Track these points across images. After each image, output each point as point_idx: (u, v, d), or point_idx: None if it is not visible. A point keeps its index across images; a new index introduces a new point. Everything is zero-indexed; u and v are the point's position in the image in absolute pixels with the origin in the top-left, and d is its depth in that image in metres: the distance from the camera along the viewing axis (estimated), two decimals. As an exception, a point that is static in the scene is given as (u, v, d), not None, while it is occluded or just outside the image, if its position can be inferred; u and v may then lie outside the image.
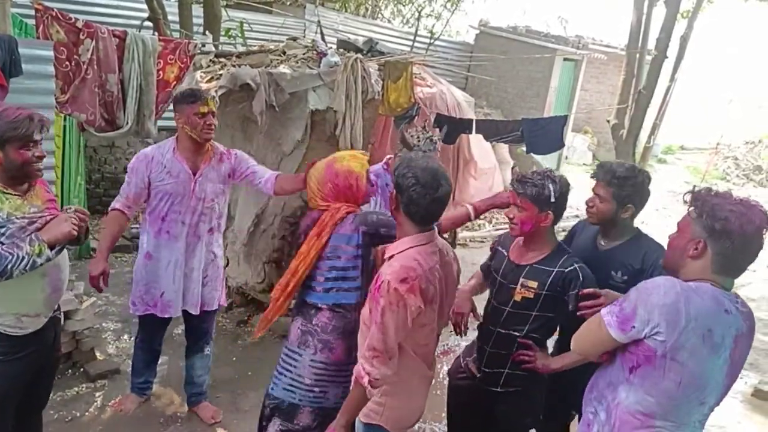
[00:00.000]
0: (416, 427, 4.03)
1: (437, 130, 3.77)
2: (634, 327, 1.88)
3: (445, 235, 5.83)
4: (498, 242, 2.87)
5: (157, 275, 3.47)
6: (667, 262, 2.08)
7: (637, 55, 5.91)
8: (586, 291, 2.45)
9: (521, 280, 2.55)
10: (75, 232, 2.50)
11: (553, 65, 12.28)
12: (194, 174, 3.38)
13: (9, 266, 2.32)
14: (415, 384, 2.44)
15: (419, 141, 3.55)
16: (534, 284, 2.53)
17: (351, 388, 2.31)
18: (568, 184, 2.62)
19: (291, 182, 3.43)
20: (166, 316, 3.55)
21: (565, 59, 12.65)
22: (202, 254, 3.53)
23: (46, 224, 2.49)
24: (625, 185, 2.68)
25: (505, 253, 2.70)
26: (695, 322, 1.81)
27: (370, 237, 2.58)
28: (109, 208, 3.41)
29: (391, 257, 2.26)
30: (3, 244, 2.36)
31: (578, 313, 2.41)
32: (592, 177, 2.84)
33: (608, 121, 5.89)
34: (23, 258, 2.35)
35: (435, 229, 2.34)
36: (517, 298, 2.55)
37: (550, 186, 2.49)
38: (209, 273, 3.60)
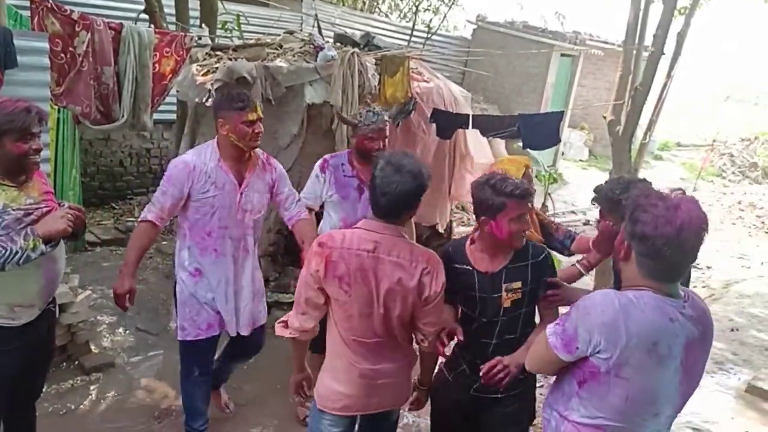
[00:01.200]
0: (410, 421, 4.07)
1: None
2: (578, 348, 1.83)
3: (441, 230, 5.86)
4: (443, 259, 2.47)
5: (209, 294, 3.16)
6: (614, 265, 2.13)
7: (634, 52, 5.89)
8: (551, 280, 2.52)
9: (504, 285, 2.47)
10: (70, 229, 2.49)
11: (550, 61, 12.28)
12: (240, 184, 3.09)
13: (2, 260, 2.32)
14: (341, 366, 2.43)
15: (361, 117, 3.43)
16: (518, 284, 2.48)
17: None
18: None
19: (307, 236, 3.20)
20: (231, 333, 3.28)
21: (562, 55, 12.65)
22: (251, 270, 3.28)
23: (42, 217, 2.49)
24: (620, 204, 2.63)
25: (470, 268, 2.50)
26: (637, 338, 1.75)
27: None
28: (139, 219, 3.09)
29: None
30: None
31: (547, 302, 2.52)
32: (593, 201, 2.87)
33: (605, 117, 5.88)
34: (17, 252, 2.34)
35: (392, 225, 2.31)
36: (506, 304, 2.47)
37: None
38: (257, 286, 3.35)
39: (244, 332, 3.29)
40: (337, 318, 2.37)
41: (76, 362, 4.15)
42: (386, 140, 3.49)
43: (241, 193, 3.08)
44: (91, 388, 3.98)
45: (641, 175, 5.64)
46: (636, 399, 1.82)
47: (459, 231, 8.03)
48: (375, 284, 2.27)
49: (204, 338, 3.19)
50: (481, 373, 2.42)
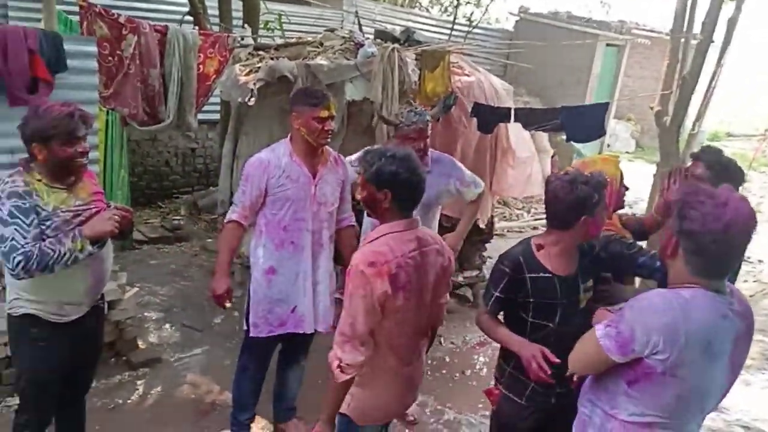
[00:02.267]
0: (452, 417, 4.06)
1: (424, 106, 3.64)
2: (634, 350, 1.79)
3: (482, 226, 5.80)
4: (514, 271, 2.41)
5: (286, 291, 3.18)
6: (661, 261, 2.05)
7: (682, 40, 5.74)
8: (602, 276, 2.49)
9: (581, 286, 2.42)
10: (116, 231, 2.56)
11: (595, 51, 12.05)
12: (313, 177, 3.15)
13: (50, 262, 2.40)
14: (384, 379, 2.37)
15: (403, 117, 3.43)
16: (590, 282, 2.45)
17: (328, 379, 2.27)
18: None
19: (347, 246, 3.33)
20: (300, 331, 3.25)
21: (607, 45, 12.39)
22: (327, 265, 3.29)
23: (90, 218, 2.56)
24: (725, 172, 2.72)
25: (549, 275, 2.38)
26: (694, 337, 1.73)
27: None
28: (226, 220, 3.19)
29: (367, 244, 2.28)
30: (48, 236, 2.44)
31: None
32: (692, 156, 2.92)
33: (651, 108, 5.75)
34: (65, 254, 2.42)
35: (416, 218, 2.33)
36: (583, 304, 2.42)
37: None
38: (331, 285, 3.35)
39: (321, 329, 3.30)
40: (386, 329, 2.27)
41: (124, 358, 4.27)
42: (427, 140, 3.48)
43: (316, 186, 3.14)
44: (139, 383, 4.09)
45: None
46: (688, 397, 1.81)
47: (500, 226, 7.96)
48: (426, 280, 2.31)
49: (266, 337, 3.22)
50: (574, 378, 2.24)
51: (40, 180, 2.49)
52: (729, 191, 1.78)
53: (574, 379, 2.24)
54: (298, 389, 3.63)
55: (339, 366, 2.17)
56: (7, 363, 3.61)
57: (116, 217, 2.57)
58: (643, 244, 2.83)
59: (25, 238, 2.38)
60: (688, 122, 6.22)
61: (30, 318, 2.60)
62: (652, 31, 13.46)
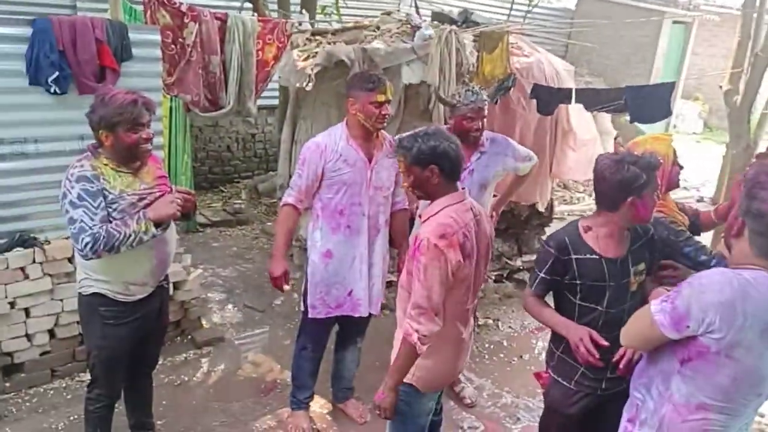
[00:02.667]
0: (509, 401, 4.03)
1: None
2: (688, 327, 1.77)
3: (541, 209, 5.71)
4: (560, 252, 2.38)
5: (341, 273, 3.24)
6: (725, 240, 1.99)
7: (754, 15, 5.47)
8: (665, 263, 2.44)
9: (632, 269, 2.37)
10: (179, 213, 2.67)
11: (661, 29, 11.62)
12: (369, 161, 3.16)
13: (117, 243, 2.50)
14: (448, 347, 2.46)
15: (459, 96, 3.38)
16: (642, 266, 2.40)
17: (398, 348, 2.35)
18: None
19: (398, 230, 3.38)
20: (356, 315, 3.32)
21: (674, 22, 11.93)
22: (382, 249, 3.33)
23: (154, 201, 2.65)
24: None
25: (596, 256, 2.35)
26: (753, 318, 1.70)
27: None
28: (281, 204, 3.23)
29: (426, 220, 2.34)
30: (114, 219, 2.54)
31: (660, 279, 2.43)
32: None
33: (721, 87, 5.51)
34: (130, 235, 2.52)
35: (465, 187, 2.44)
36: (634, 288, 2.38)
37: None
38: (385, 267, 3.42)
39: (375, 311, 3.36)
40: (455, 297, 2.36)
41: (189, 337, 4.41)
42: (484, 120, 3.45)
43: (371, 170, 3.16)
44: (203, 361, 4.23)
45: (761, 149, 5.26)
46: (744, 380, 1.78)
47: (560, 210, 7.81)
48: (482, 247, 2.40)
49: (323, 318, 3.30)
50: (621, 365, 2.24)
51: (107, 164, 2.59)
52: None
53: (620, 366, 2.22)
54: (355, 370, 3.69)
55: (419, 338, 2.23)
56: (80, 340, 3.80)
57: (179, 200, 2.66)
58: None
59: (92, 220, 2.49)
60: (760, 101, 5.93)
61: (99, 297, 2.72)
62: (721, 6, 12.88)
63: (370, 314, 3.41)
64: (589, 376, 2.45)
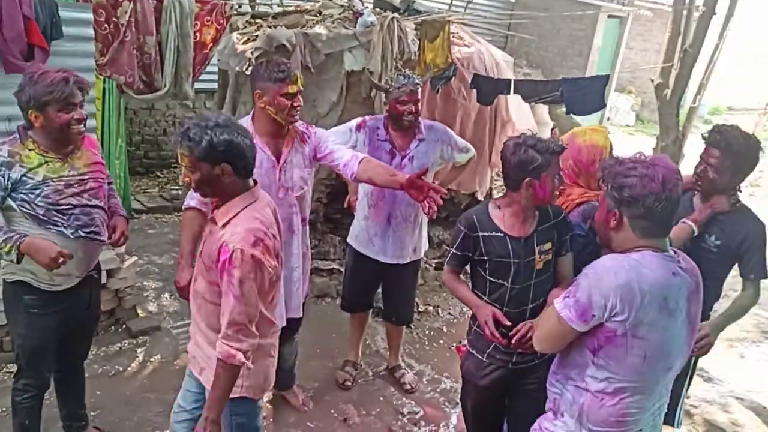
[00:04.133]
0: (449, 386, 4.10)
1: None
2: (594, 315, 1.86)
3: (480, 198, 5.80)
4: (469, 229, 2.51)
5: None
6: (599, 238, 2.11)
7: (685, 12, 5.67)
8: None
9: (537, 248, 2.48)
10: (49, 269, 2.49)
11: (597, 23, 11.91)
12: (278, 161, 2.96)
13: None
14: (266, 343, 2.35)
15: (392, 81, 3.42)
16: (548, 245, 2.52)
17: (215, 376, 2.15)
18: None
19: (382, 175, 2.85)
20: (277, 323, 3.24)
21: (609, 16, 12.25)
22: (299, 250, 3.16)
23: (86, 190, 2.61)
24: (743, 158, 2.66)
25: (501, 234, 2.48)
26: (650, 295, 1.81)
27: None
28: (184, 207, 2.94)
29: (226, 224, 2.13)
30: (38, 205, 2.49)
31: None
32: (705, 142, 2.74)
33: (652, 81, 5.70)
34: None
35: (257, 183, 2.27)
36: (539, 266, 2.50)
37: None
38: (305, 266, 3.28)
39: (296, 314, 3.24)
40: (270, 298, 2.32)
41: (124, 326, 4.30)
42: (418, 105, 3.45)
43: (280, 170, 2.95)
44: (138, 350, 4.13)
45: (689, 141, 5.49)
46: (653, 356, 1.87)
47: (500, 198, 7.95)
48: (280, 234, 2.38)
49: None
50: (513, 340, 2.44)
51: (32, 150, 2.49)
52: (643, 154, 1.93)
53: (513, 341, 2.43)
54: (294, 361, 3.66)
55: (245, 357, 2.10)
56: (7, 330, 3.63)
57: (61, 261, 2.50)
58: None
59: None
60: (689, 95, 6.17)
61: (23, 285, 2.63)
62: (654, 2, 13.30)
63: (302, 314, 3.37)
64: (500, 350, 2.58)
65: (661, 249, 1.90)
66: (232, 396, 2.23)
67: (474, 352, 2.68)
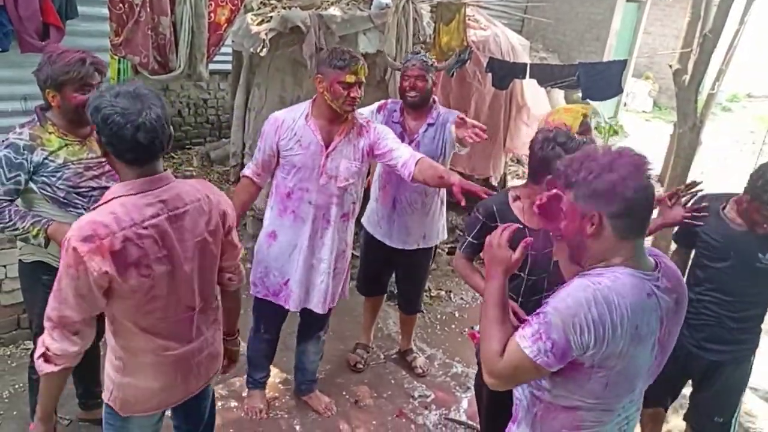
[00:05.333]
0: (460, 371, 4.11)
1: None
2: (572, 355, 1.64)
3: (494, 183, 5.78)
4: (487, 218, 2.50)
5: (280, 259, 3.06)
6: (572, 255, 1.79)
7: (705, -4, 5.58)
8: None
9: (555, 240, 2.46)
10: None
11: (615, 7, 11.73)
12: (327, 146, 2.92)
13: (2, 225, 2.47)
14: (147, 363, 2.02)
15: (405, 60, 3.44)
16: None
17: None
18: None
19: (432, 177, 2.82)
20: (286, 307, 3.18)
21: (628, 0, 12.08)
22: (334, 244, 3.08)
23: (105, 173, 2.60)
24: None
25: (521, 227, 2.34)
26: (621, 327, 1.61)
27: None
28: (241, 175, 3.06)
29: (94, 208, 1.87)
30: (59, 188, 2.51)
31: None
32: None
33: (670, 66, 5.62)
34: (17, 228, 2.48)
35: (163, 174, 1.90)
36: (556, 258, 2.47)
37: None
38: (338, 265, 3.18)
39: (318, 309, 3.19)
40: (129, 311, 1.98)
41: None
42: (424, 82, 3.39)
43: (327, 156, 2.92)
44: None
45: (707, 128, 5.41)
46: (616, 383, 1.71)
47: (513, 184, 7.92)
48: (181, 248, 1.93)
49: (272, 301, 3.18)
50: None
51: (52, 132, 2.51)
52: (594, 145, 1.80)
53: None
54: (318, 362, 3.62)
55: (44, 354, 1.83)
56: (24, 308, 3.68)
57: None
58: None
59: None
60: (708, 81, 6.08)
61: (41, 265, 2.64)
62: (674, -14, 13.11)
63: (329, 315, 3.37)
64: None
65: (637, 259, 1.69)
66: (105, 399, 2.09)
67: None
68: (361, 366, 4.03)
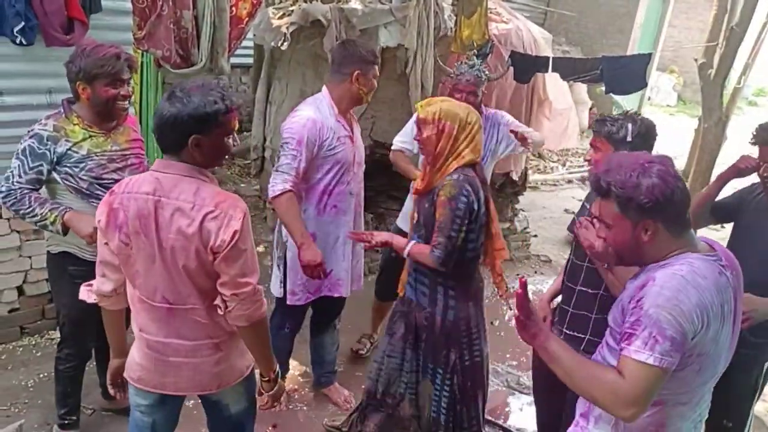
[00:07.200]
0: (501, 369, 4.09)
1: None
2: (688, 345, 1.61)
3: (515, 178, 5.74)
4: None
5: (324, 256, 2.98)
6: (625, 262, 1.80)
7: (733, -12, 5.49)
8: None
9: None
10: (89, 240, 2.50)
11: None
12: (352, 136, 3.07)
13: (22, 212, 2.52)
14: (136, 332, 2.18)
15: (457, 66, 3.42)
16: None
17: None
18: (653, 126, 2.48)
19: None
20: (336, 295, 3.21)
21: (652, -7, 11.92)
22: (362, 226, 3.31)
23: (127, 166, 2.65)
24: None
25: (588, 207, 2.46)
26: (712, 309, 1.61)
27: None
28: (278, 192, 2.84)
29: None
30: (82, 179, 2.55)
31: None
32: (757, 143, 2.70)
33: (696, 60, 5.54)
34: (36, 215, 2.52)
35: (172, 162, 1.97)
36: None
37: (629, 126, 2.37)
38: (354, 253, 3.28)
39: (357, 287, 3.35)
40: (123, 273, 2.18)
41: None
42: (475, 99, 3.38)
43: (355, 145, 3.08)
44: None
45: (732, 123, 5.33)
46: (706, 368, 1.70)
47: (534, 179, 7.87)
48: (157, 235, 1.96)
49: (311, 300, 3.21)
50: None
51: (77, 124, 2.54)
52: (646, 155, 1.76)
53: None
54: (335, 353, 3.62)
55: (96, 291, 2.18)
56: (50, 298, 3.75)
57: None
58: None
59: (20, 177, 2.50)
60: (734, 76, 5.99)
61: (67, 256, 2.68)
62: (700, -22, 12.90)
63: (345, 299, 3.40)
64: (557, 325, 2.62)
65: (696, 245, 1.71)
66: None
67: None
68: (362, 352, 4.06)
